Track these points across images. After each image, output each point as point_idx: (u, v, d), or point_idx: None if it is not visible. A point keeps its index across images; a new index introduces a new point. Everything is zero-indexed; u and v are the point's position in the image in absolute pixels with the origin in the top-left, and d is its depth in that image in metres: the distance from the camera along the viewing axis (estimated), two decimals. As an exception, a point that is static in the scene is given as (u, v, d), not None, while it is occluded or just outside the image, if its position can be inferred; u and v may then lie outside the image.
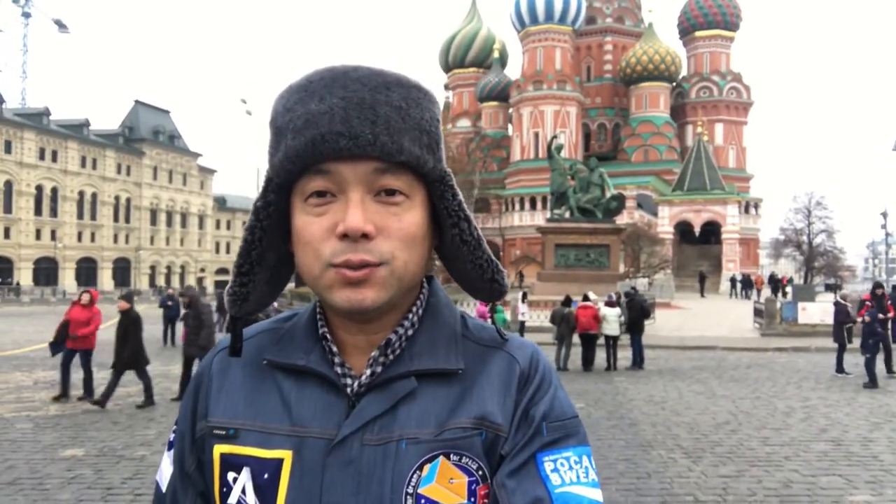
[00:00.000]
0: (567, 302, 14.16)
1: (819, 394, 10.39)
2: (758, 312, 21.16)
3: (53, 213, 61.16)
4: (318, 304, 0.86)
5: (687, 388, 10.97)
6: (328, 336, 0.83)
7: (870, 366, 11.05)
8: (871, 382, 10.90)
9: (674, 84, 61.94)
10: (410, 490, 0.74)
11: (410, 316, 0.83)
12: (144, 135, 71.16)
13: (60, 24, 72.92)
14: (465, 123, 68.07)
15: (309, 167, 0.74)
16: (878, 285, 12.30)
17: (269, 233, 0.80)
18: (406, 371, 0.79)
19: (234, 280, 0.82)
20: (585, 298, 14.03)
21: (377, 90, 0.74)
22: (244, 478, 0.77)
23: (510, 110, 63.04)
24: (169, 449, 0.89)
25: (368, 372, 0.80)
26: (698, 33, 62.18)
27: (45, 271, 59.84)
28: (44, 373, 12.17)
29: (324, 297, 0.77)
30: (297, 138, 0.73)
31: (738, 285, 39.79)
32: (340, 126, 0.72)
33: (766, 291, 35.88)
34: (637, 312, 14.10)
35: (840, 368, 12.24)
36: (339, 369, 0.81)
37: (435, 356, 0.81)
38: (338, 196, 0.75)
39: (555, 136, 32.44)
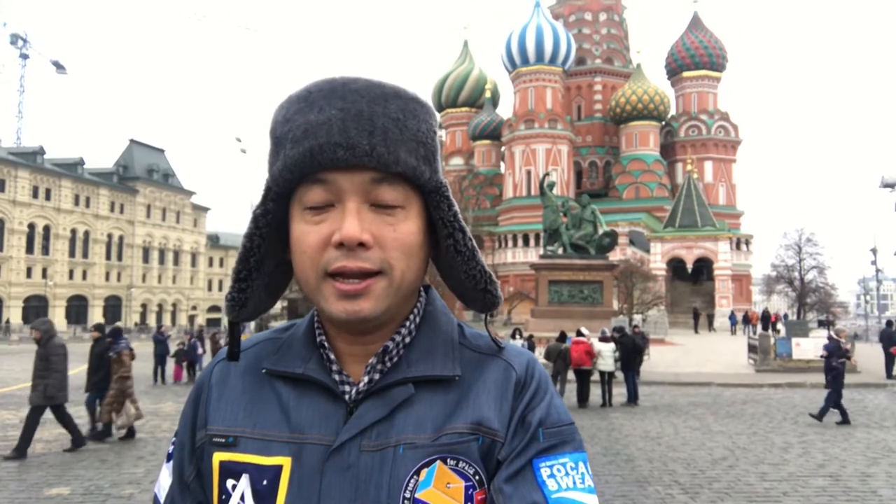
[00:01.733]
0: (562, 338, 14.11)
1: (816, 429, 10.32)
2: (752, 348, 21.12)
3: (45, 250, 60.85)
4: (316, 314, 0.87)
5: (683, 423, 10.87)
6: (326, 344, 0.84)
7: (835, 401, 10.80)
8: (843, 418, 10.67)
9: (663, 123, 62.88)
10: (408, 495, 0.74)
11: (408, 324, 0.85)
12: (139, 173, 71.38)
13: (58, 66, 73.81)
14: (458, 161, 68.70)
15: (307, 176, 0.76)
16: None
17: (268, 240, 0.82)
18: (403, 378, 0.80)
19: (232, 286, 0.83)
20: (579, 334, 13.99)
21: (375, 101, 0.76)
22: (243, 485, 0.78)
23: (502, 149, 63.70)
24: (168, 460, 0.89)
25: (366, 379, 0.81)
26: (686, 73, 63.42)
27: (36, 309, 59.14)
28: (31, 411, 11.94)
29: (321, 308, 0.78)
30: (296, 148, 0.75)
31: (729, 322, 39.82)
32: (338, 136, 0.73)
33: (779, 326, 35.81)
34: (629, 349, 14.06)
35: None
36: (337, 377, 0.82)
37: (432, 363, 0.82)
38: (335, 205, 0.76)
39: (547, 174, 32.72)
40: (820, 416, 10.76)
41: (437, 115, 0.83)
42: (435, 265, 0.90)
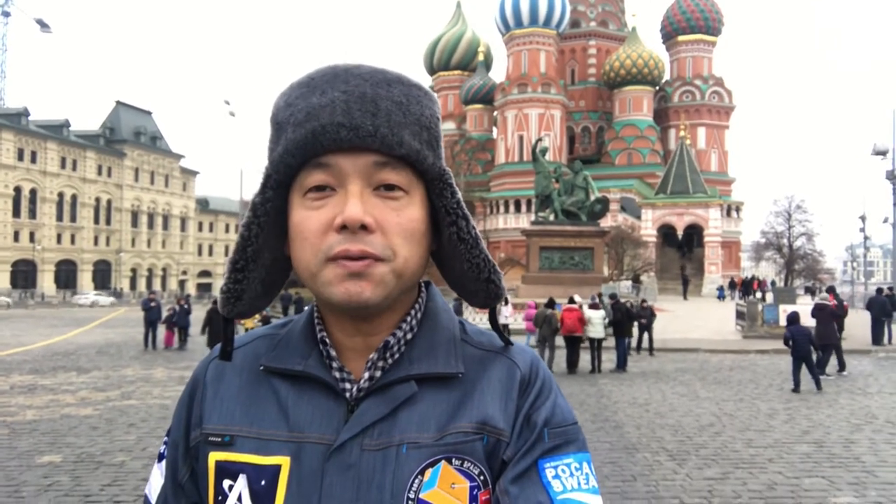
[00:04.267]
0: (550, 304, 14.18)
1: (800, 396, 10.49)
2: (740, 315, 21.34)
3: (32, 214, 60.25)
4: (316, 308, 0.85)
5: (671, 390, 11.02)
6: (326, 340, 0.81)
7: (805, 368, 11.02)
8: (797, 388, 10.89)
9: (657, 88, 62.41)
10: (412, 495, 0.73)
11: (409, 319, 0.82)
12: (126, 136, 70.37)
13: (42, 24, 71.78)
14: (449, 126, 68.06)
15: (308, 161, 0.74)
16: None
17: (266, 230, 0.79)
18: (406, 375, 0.79)
19: (228, 277, 0.80)
20: (571, 301, 14.05)
21: (378, 85, 0.75)
22: (240, 485, 0.77)
23: (495, 113, 63.16)
24: (159, 460, 0.87)
25: (367, 376, 0.79)
26: (681, 38, 62.73)
27: (24, 274, 58.93)
28: (20, 377, 11.95)
29: (322, 293, 0.76)
30: (298, 131, 0.74)
31: (717, 292, 40.08)
32: (341, 117, 0.73)
33: (758, 294, 36.12)
34: (622, 315, 14.18)
35: (822, 371, 12.23)
36: (337, 374, 0.80)
37: (435, 360, 0.81)
38: (337, 190, 0.74)
39: (539, 139, 32.52)
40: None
41: (439, 104, 0.83)
42: (434, 260, 0.87)
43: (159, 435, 7.31)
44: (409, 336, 0.82)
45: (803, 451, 6.98)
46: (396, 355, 0.80)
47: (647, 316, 16.44)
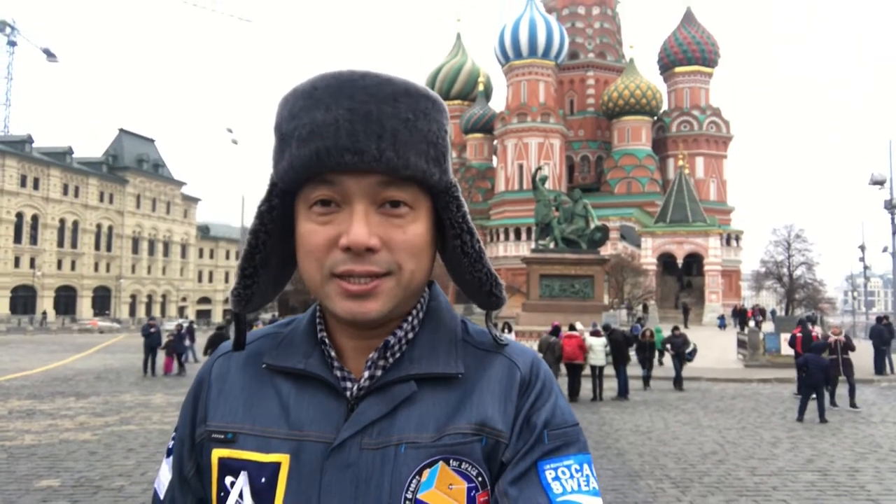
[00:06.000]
0: (555, 331, 14.16)
1: (804, 424, 10.40)
2: (741, 344, 21.26)
3: (33, 240, 60.36)
4: (318, 308, 0.86)
5: (673, 418, 10.94)
6: (327, 340, 0.82)
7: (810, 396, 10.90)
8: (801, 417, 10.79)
9: (655, 118, 63.02)
10: (409, 495, 0.73)
11: (410, 319, 0.83)
12: (128, 163, 70.85)
13: (49, 53, 72.90)
14: (450, 155, 68.60)
15: (313, 176, 0.74)
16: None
17: (273, 236, 0.80)
18: (406, 375, 0.79)
19: (238, 282, 0.81)
20: (572, 328, 14.04)
21: (384, 101, 0.73)
22: (241, 482, 0.77)
23: (495, 142, 63.71)
24: (168, 455, 0.89)
25: (367, 375, 0.79)
26: (678, 69, 63.53)
27: (23, 299, 58.81)
28: (18, 402, 11.87)
29: (326, 304, 0.77)
30: (302, 148, 0.72)
31: (718, 321, 39.89)
32: (346, 140, 0.71)
33: (751, 323, 35.93)
34: (620, 344, 14.13)
35: (833, 402, 12.09)
36: (338, 373, 0.80)
37: (435, 360, 0.81)
38: (342, 206, 0.74)
39: (539, 168, 32.79)
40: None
41: (447, 112, 0.81)
42: (442, 260, 0.89)
43: (158, 460, 7.26)
44: (410, 335, 0.82)
45: (808, 480, 6.91)
46: (397, 354, 0.81)
47: (679, 344, 15.49)
